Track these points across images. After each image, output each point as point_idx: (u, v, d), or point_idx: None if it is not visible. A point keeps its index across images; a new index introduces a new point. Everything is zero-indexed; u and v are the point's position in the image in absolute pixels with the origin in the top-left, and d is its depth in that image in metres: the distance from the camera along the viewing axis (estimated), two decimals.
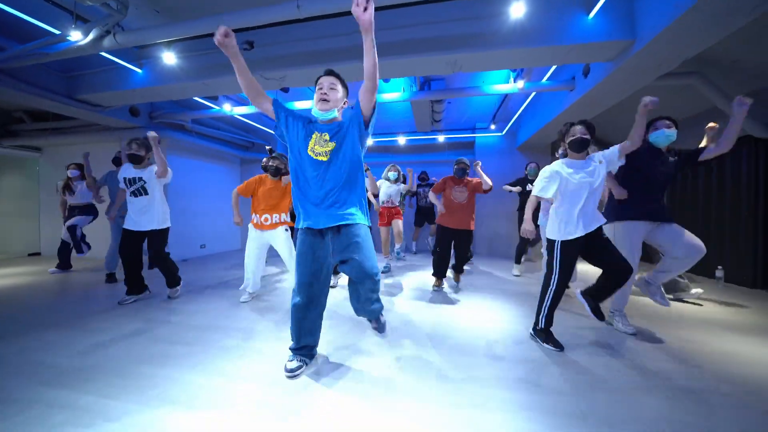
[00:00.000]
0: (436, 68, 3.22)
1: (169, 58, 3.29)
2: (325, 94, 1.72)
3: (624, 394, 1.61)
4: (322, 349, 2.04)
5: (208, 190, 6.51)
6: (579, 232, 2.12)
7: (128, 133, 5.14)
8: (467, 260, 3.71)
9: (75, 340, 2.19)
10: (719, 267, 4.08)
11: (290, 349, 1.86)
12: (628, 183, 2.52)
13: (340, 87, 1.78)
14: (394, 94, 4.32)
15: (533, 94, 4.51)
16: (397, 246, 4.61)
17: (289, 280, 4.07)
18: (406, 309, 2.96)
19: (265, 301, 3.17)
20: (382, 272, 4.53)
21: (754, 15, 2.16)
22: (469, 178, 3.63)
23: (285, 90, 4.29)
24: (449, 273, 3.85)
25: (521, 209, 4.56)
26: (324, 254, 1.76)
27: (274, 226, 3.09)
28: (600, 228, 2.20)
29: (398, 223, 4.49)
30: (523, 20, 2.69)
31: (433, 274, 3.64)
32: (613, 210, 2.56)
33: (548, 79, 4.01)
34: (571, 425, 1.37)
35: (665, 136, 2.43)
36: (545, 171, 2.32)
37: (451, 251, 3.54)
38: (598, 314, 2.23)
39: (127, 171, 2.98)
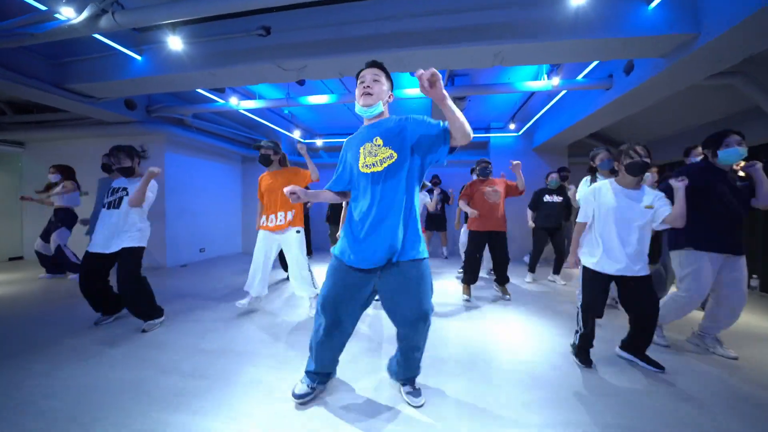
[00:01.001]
0: (478, 60, 2.93)
1: (174, 43, 2.92)
2: (368, 87, 1.47)
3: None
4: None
5: (208, 190, 6.10)
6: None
7: (122, 128, 4.71)
8: (507, 264, 3.45)
9: (68, 372, 1.84)
10: (754, 276, 3.93)
11: (306, 370, 1.66)
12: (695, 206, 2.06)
13: (384, 79, 1.52)
14: (417, 89, 4.01)
15: (563, 92, 4.26)
16: None
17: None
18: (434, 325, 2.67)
19: (276, 315, 2.84)
20: None
21: None
22: (497, 179, 3.46)
23: (301, 83, 3.94)
24: (495, 286, 3.65)
25: (537, 224, 4.32)
26: (365, 289, 1.50)
27: (282, 227, 2.76)
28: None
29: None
30: (584, 8, 2.42)
31: (463, 281, 3.44)
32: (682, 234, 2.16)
33: (584, 76, 3.76)
34: None
35: (738, 154, 2.04)
36: (586, 193, 2.06)
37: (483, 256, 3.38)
38: (655, 365, 1.94)
39: (119, 181, 2.57)
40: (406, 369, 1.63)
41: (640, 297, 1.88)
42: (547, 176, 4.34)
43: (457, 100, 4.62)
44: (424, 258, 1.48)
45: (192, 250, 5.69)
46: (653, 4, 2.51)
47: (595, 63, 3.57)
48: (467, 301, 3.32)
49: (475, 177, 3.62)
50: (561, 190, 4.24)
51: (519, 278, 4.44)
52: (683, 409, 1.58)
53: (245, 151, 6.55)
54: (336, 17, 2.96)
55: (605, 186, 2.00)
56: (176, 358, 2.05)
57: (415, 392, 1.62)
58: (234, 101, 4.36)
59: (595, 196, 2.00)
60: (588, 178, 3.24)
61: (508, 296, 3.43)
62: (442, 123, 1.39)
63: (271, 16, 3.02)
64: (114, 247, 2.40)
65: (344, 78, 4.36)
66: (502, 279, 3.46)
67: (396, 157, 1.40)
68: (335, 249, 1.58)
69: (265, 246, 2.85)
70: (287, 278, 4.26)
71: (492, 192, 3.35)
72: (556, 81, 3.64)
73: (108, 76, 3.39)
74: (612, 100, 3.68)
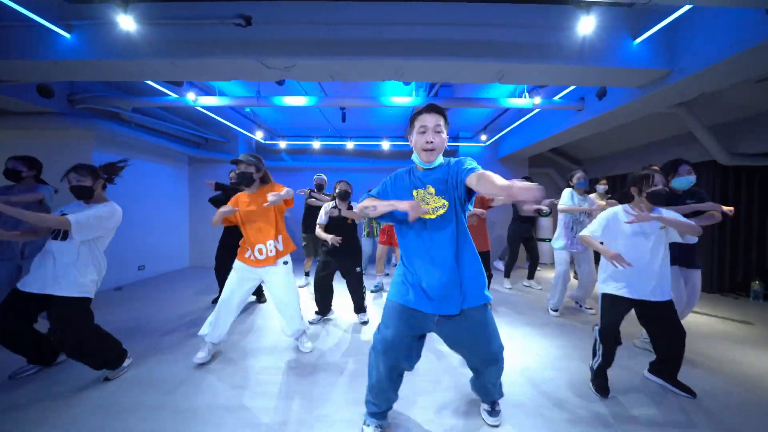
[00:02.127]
0: (479, 76, 2.87)
1: (126, 23, 2.31)
2: (431, 142, 1.35)
3: None
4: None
5: (148, 196, 5.16)
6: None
7: (33, 120, 3.68)
8: (490, 279, 3.48)
9: None
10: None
11: (368, 412, 1.56)
12: None
13: (444, 126, 1.38)
14: (405, 98, 3.86)
15: (537, 110, 4.50)
16: (378, 276, 4.28)
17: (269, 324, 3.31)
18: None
19: (252, 357, 2.44)
20: (372, 291, 4.10)
21: None
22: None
23: (281, 83, 3.49)
24: None
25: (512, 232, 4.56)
26: (427, 328, 1.47)
27: (270, 260, 2.29)
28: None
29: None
30: (582, 37, 2.49)
31: None
32: None
33: (560, 97, 3.99)
34: None
35: (688, 181, 2.34)
36: (604, 215, 2.04)
37: None
38: (687, 390, 1.96)
39: (74, 206, 1.98)
40: (484, 395, 1.67)
41: (666, 323, 1.91)
42: None
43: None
44: (488, 302, 1.42)
45: (128, 268, 4.76)
46: (638, 40, 2.71)
47: (572, 87, 3.81)
48: None
49: None
50: None
51: (497, 284, 4.60)
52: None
53: (194, 151, 5.68)
54: (329, 16, 2.65)
55: (620, 213, 1.99)
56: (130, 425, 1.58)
57: (493, 412, 1.66)
58: (191, 97, 3.70)
59: (610, 223, 1.99)
60: (570, 189, 3.42)
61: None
62: (468, 165, 1.33)
63: (251, 4, 2.58)
64: (50, 288, 1.82)
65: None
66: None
67: (447, 206, 1.37)
68: (392, 295, 1.45)
69: (241, 283, 2.31)
70: (255, 301, 3.77)
71: (469, 216, 3.34)
72: (537, 100, 3.80)
73: (19, 53, 2.56)
74: (583, 121, 3.98)
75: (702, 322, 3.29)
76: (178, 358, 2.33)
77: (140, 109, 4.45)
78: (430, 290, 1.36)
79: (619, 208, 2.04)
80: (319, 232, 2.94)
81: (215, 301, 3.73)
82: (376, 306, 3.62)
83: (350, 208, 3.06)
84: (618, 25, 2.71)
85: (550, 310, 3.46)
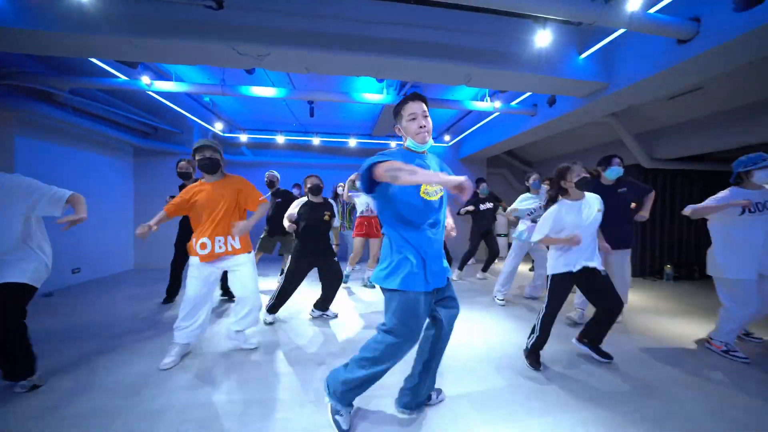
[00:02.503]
0: (449, 77, 3.05)
1: None
2: (424, 126, 1.49)
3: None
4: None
5: (86, 190, 4.49)
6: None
7: None
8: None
9: None
10: None
11: (343, 406, 1.57)
12: None
13: (428, 113, 1.55)
14: (377, 95, 3.94)
15: (496, 113, 4.87)
16: (348, 268, 4.25)
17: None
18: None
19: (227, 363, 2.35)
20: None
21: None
22: None
23: (251, 71, 3.34)
24: None
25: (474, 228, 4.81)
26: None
27: (233, 251, 2.17)
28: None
29: (377, 244, 4.10)
30: (542, 49, 2.79)
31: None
32: None
33: (516, 103, 4.38)
34: None
35: (617, 171, 2.80)
36: (548, 214, 2.20)
37: None
38: (606, 356, 2.25)
39: None
40: (431, 382, 1.69)
41: (606, 292, 2.18)
42: (478, 185, 4.81)
43: None
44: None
45: (61, 272, 4.18)
46: (583, 56, 3.11)
47: (528, 93, 4.20)
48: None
49: None
50: (491, 197, 4.82)
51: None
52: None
53: (141, 141, 5.16)
54: (306, 7, 2.63)
55: (562, 206, 2.19)
56: None
57: (437, 391, 1.81)
58: (146, 81, 3.38)
59: (555, 218, 2.18)
60: (527, 194, 3.77)
61: None
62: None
63: None
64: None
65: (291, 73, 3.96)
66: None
67: (443, 191, 1.57)
68: (408, 285, 1.43)
69: (203, 285, 2.16)
70: (226, 300, 3.57)
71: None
72: (497, 104, 4.12)
73: None
74: (535, 126, 4.42)
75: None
76: (128, 361, 2.14)
77: (78, 91, 3.94)
78: (435, 266, 1.49)
79: (556, 206, 2.21)
80: (288, 226, 2.88)
81: (166, 301, 3.47)
82: (348, 297, 3.65)
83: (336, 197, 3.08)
84: (567, 41, 3.08)
85: (497, 299, 3.66)
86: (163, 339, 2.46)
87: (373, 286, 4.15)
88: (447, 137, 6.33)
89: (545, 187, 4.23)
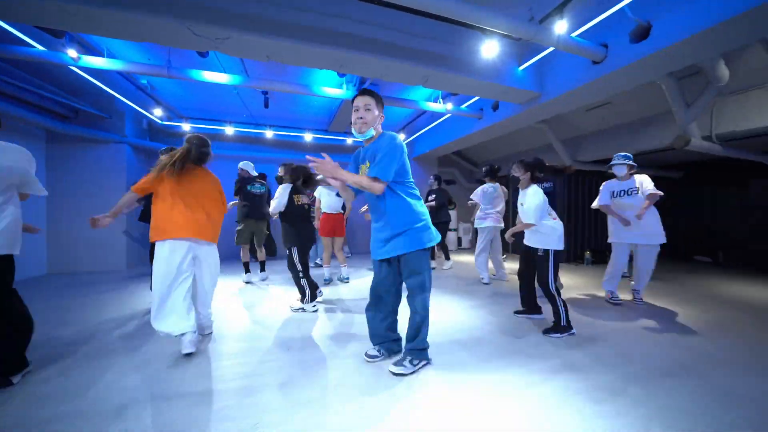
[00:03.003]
0: (408, 77, 3.24)
1: None
2: (362, 118, 1.75)
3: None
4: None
5: None
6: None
7: None
8: None
9: None
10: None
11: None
12: None
13: (374, 106, 1.79)
14: (337, 90, 3.98)
15: (448, 115, 5.23)
16: (326, 268, 4.06)
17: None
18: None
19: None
20: (325, 281, 4.04)
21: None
22: None
23: (203, 54, 3.13)
24: None
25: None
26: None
27: (207, 235, 2.14)
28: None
29: (339, 242, 4.11)
30: (490, 59, 3.13)
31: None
32: None
33: (465, 106, 4.78)
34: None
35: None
36: (540, 194, 2.56)
37: None
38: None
39: None
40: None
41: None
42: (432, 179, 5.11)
43: None
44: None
45: None
46: (522, 67, 3.55)
47: (476, 98, 4.62)
48: None
49: None
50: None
51: None
52: None
53: (57, 125, 4.44)
54: None
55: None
56: None
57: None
58: (72, 54, 2.96)
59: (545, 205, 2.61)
60: (489, 184, 4.19)
61: None
62: (381, 153, 1.73)
63: None
64: None
65: (246, 60, 3.81)
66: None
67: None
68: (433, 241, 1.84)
69: (176, 257, 1.99)
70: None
71: None
72: (449, 106, 4.46)
73: None
74: (481, 128, 4.87)
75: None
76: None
77: None
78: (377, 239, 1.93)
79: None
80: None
81: None
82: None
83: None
84: (510, 53, 3.49)
85: (483, 281, 4.06)
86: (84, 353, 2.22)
87: (347, 280, 4.18)
88: (402, 136, 6.58)
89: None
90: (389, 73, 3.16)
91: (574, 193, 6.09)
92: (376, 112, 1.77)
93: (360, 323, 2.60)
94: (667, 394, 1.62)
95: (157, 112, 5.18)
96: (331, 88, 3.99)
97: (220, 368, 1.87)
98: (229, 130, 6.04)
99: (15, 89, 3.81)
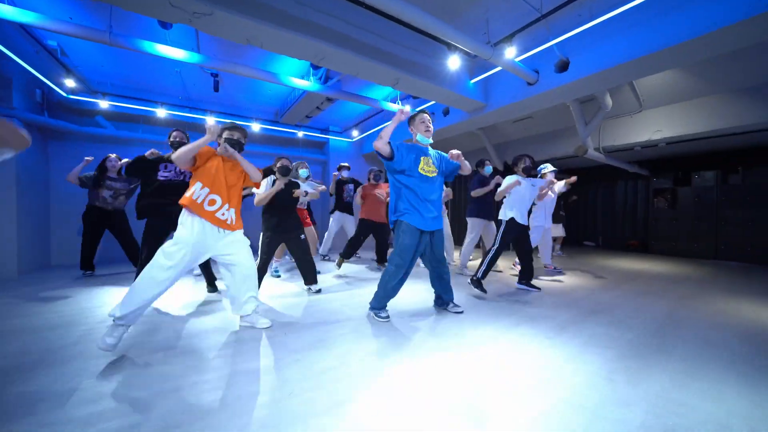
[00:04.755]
0: (380, 77, 3.47)
1: None
2: (430, 129, 2.53)
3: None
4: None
5: None
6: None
7: None
8: (387, 249, 4.40)
9: None
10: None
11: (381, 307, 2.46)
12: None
13: None
14: (304, 81, 3.97)
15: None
16: (276, 263, 3.99)
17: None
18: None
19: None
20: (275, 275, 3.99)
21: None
22: (384, 183, 4.45)
23: (166, 26, 2.79)
24: (376, 264, 4.57)
25: None
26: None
27: (233, 227, 2.09)
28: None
29: (312, 232, 4.13)
30: (451, 71, 3.59)
31: (341, 255, 4.18)
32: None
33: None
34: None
35: (490, 169, 4.16)
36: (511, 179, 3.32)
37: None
38: (536, 287, 3.38)
39: None
40: (448, 293, 2.67)
41: (528, 243, 3.32)
42: (370, 172, 5.38)
43: (326, 100, 4.91)
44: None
45: None
46: (472, 81, 4.14)
47: (432, 102, 5.10)
48: (338, 270, 4.16)
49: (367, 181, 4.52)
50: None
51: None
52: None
53: None
54: None
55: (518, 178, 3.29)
56: None
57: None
58: None
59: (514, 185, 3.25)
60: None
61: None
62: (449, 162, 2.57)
63: None
64: None
65: (202, 34, 3.52)
66: (381, 259, 4.43)
67: (437, 173, 2.49)
68: (408, 217, 2.39)
69: (198, 242, 1.92)
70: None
71: (384, 194, 4.29)
72: (407, 108, 4.82)
73: None
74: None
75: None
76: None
77: None
78: (437, 215, 2.47)
79: (515, 177, 3.29)
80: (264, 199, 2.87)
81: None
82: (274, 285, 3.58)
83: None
84: (464, 67, 4.03)
85: (465, 270, 4.38)
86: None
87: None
88: (355, 132, 6.76)
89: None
90: (365, 71, 3.36)
91: None
92: None
93: (339, 308, 2.75)
94: (595, 325, 2.27)
95: (69, 83, 4.27)
96: (299, 79, 3.96)
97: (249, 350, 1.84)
98: (161, 113, 5.32)
99: None
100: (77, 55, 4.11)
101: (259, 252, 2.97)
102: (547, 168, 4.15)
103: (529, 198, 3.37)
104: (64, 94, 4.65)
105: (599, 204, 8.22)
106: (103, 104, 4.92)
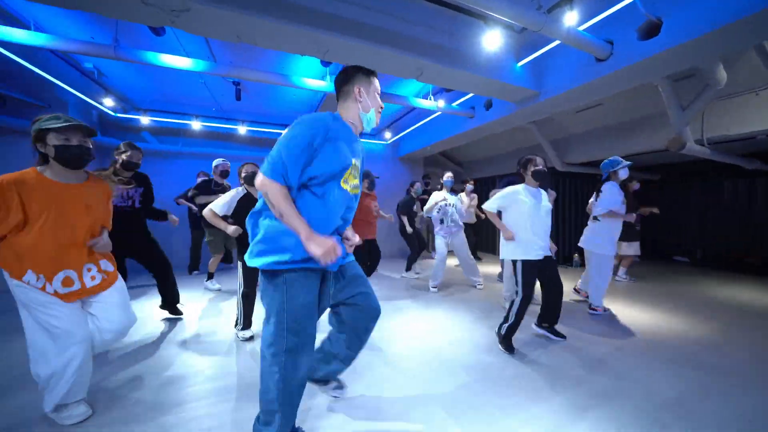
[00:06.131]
0: (399, 69, 2.90)
1: None
2: (383, 106, 1.45)
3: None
4: None
5: None
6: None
7: None
8: (377, 264, 3.96)
9: None
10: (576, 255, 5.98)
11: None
12: None
13: None
14: (320, 82, 3.57)
15: (437, 113, 4.95)
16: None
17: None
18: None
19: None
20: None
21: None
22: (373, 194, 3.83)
23: (159, 32, 2.61)
24: None
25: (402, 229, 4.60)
26: (325, 301, 1.39)
27: (103, 286, 1.57)
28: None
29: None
30: (490, 53, 2.86)
31: None
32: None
33: (457, 104, 4.52)
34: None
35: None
36: (503, 193, 2.44)
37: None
38: (561, 335, 2.52)
39: None
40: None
41: (554, 276, 2.41)
42: (413, 184, 4.72)
43: None
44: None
45: None
46: (520, 64, 3.32)
47: (470, 95, 4.36)
48: None
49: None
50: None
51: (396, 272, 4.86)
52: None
53: None
54: None
55: (520, 189, 2.38)
56: None
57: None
58: None
59: (509, 199, 2.39)
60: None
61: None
62: None
63: None
64: None
65: (213, 41, 3.31)
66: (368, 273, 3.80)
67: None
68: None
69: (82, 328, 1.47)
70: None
71: (376, 206, 3.77)
72: (441, 103, 4.18)
73: None
74: (472, 128, 4.64)
75: None
76: None
77: None
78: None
79: (519, 187, 2.41)
80: (217, 222, 2.37)
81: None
82: None
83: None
84: (508, 47, 3.25)
85: (431, 287, 3.96)
86: None
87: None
88: (388, 134, 6.25)
89: (470, 186, 4.88)
90: (381, 63, 2.81)
91: (560, 194, 6.05)
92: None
93: None
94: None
95: (108, 102, 4.50)
96: (312, 79, 3.58)
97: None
98: (196, 125, 5.44)
99: None
100: (112, 74, 4.27)
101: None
102: (620, 164, 3.09)
103: (545, 215, 2.40)
104: (112, 113, 4.95)
105: (695, 208, 6.46)
106: (144, 120, 5.15)
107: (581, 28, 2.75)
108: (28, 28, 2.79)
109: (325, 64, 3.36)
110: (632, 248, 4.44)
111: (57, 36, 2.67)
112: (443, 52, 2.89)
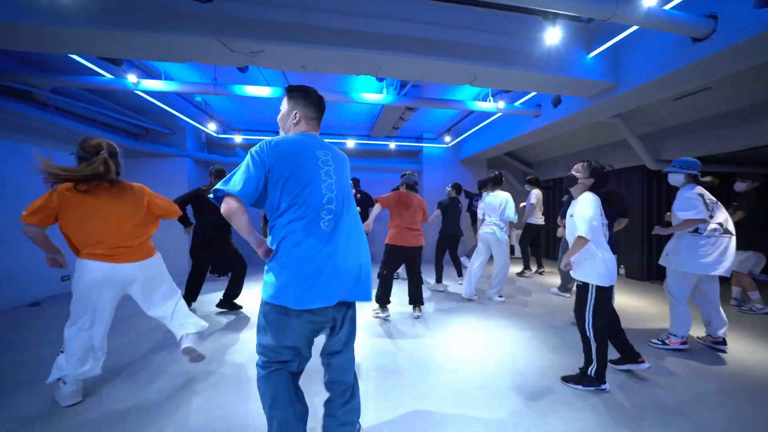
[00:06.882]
0: (452, 77, 2.91)
1: None
2: None
3: None
4: None
5: None
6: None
7: None
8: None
9: None
10: (621, 266, 5.24)
11: None
12: None
13: (284, 102, 1.46)
14: (377, 95, 3.80)
15: (499, 114, 4.74)
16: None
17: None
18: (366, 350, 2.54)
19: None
20: None
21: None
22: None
23: (243, 69, 3.18)
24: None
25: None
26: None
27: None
28: None
29: None
30: (550, 47, 2.66)
31: (377, 300, 3.17)
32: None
33: (520, 104, 4.25)
34: None
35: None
36: (596, 203, 1.97)
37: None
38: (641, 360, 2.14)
39: None
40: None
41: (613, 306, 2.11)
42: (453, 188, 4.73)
43: (407, 110, 4.60)
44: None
45: (49, 279, 3.97)
46: (591, 55, 2.99)
47: (533, 93, 4.08)
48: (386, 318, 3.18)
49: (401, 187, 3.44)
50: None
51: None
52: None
53: (131, 143, 4.95)
54: (303, 0, 2.48)
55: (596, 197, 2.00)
56: None
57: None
58: (132, 79, 3.19)
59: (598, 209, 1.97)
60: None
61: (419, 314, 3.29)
62: None
63: None
64: None
65: (288, 72, 3.80)
66: (419, 300, 3.31)
67: None
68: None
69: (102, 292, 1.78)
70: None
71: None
72: (501, 104, 3.99)
73: None
74: (540, 126, 4.29)
75: (638, 305, 3.76)
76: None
77: (61, 90, 3.74)
78: None
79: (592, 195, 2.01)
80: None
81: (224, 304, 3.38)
82: None
83: None
84: (575, 39, 2.96)
85: (496, 298, 3.85)
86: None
87: None
88: (447, 138, 6.19)
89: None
90: (430, 73, 2.87)
91: (656, 198, 5.13)
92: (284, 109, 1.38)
93: None
94: None
95: (212, 126, 5.52)
96: (370, 93, 3.81)
97: None
98: None
99: (96, 113, 4.30)
100: (215, 104, 5.23)
101: None
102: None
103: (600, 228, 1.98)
104: (214, 135, 6.05)
105: None
106: (238, 139, 6.15)
107: (670, 5, 2.36)
108: (159, 77, 3.64)
109: (380, 79, 3.55)
110: (749, 260, 3.54)
111: (179, 81, 3.45)
112: (497, 54, 2.79)
